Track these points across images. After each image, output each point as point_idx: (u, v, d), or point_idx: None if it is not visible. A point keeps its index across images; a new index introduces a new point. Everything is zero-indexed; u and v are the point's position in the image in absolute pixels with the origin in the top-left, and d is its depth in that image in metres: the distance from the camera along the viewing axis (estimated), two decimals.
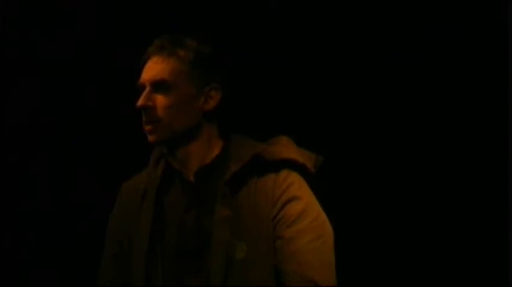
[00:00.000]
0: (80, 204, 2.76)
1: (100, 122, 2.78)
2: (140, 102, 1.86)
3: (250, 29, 2.67)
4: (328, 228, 1.87)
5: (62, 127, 2.79)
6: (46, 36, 2.76)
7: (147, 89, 1.87)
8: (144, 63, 1.91)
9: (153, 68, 1.88)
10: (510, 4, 2.44)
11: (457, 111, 2.53)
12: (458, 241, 2.51)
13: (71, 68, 2.77)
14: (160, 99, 1.85)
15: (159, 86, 1.86)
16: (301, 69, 2.65)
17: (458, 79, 2.54)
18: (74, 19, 2.76)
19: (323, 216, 1.88)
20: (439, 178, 2.54)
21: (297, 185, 1.87)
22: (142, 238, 1.88)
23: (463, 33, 2.52)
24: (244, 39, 2.64)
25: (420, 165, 2.55)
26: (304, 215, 1.85)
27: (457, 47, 2.53)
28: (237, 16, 2.68)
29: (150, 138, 1.87)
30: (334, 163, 2.08)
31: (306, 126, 2.56)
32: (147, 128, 1.87)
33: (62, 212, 2.78)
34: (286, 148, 1.92)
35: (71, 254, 2.76)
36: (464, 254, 2.49)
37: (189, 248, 1.84)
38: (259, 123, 2.45)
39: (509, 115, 2.44)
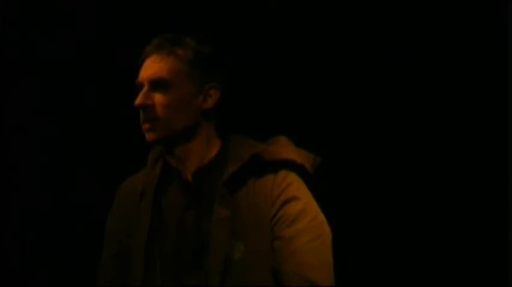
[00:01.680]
0: (80, 204, 2.76)
1: (100, 122, 2.78)
2: (138, 100, 1.85)
3: (250, 29, 2.67)
4: (327, 228, 1.87)
5: (62, 127, 2.79)
6: (46, 36, 2.76)
7: (145, 87, 1.86)
8: (143, 62, 1.90)
9: (152, 67, 1.87)
10: (510, 4, 2.44)
11: (457, 111, 2.53)
12: (459, 241, 2.50)
13: (71, 68, 2.78)
14: (159, 98, 1.85)
15: (157, 84, 1.86)
16: (301, 69, 2.65)
17: (458, 79, 2.54)
18: (74, 19, 2.76)
19: (321, 216, 1.88)
20: (439, 178, 2.54)
21: (295, 185, 1.87)
22: (140, 237, 1.88)
23: (463, 33, 2.51)
24: (244, 39, 2.64)
25: (420, 165, 2.55)
26: (303, 215, 1.85)
27: (457, 47, 2.53)
28: (237, 16, 2.68)
29: (148, 136, 1.87)
30: (332, 163, 2.08)
31: (306, 126, 2.56)
32: (145, 126, 1.86)
33: (62, 212, 2.78)
34: (284, 148, 1.92)
35: (71, 254, 2.77)
36: (464, 254, 2.49)
37: (187, 248, 1.84)
38: (258, 123, 2.45)
39: (509, 115, 2.44)
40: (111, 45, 2.74)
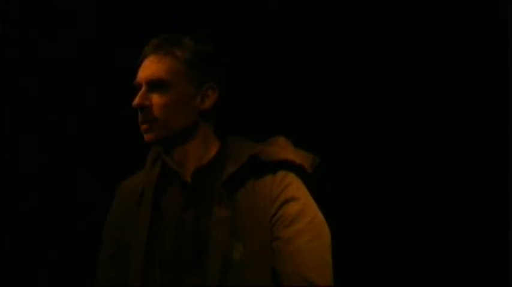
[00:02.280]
0: (80, 204, 2.76)
1: (100, 122, 2.78)
2: (136, 101, 1.85)
3: (250, 29, 2.66)
4: (326, 228, 1.87)
5: (62, 127, 2.79)
6: (46, 36, 2.76)
7: (143, 88, 1.87)
8: (141, 62, 1.90)
9: (150, 67, 1.87)
10: (510, 4, 2.44)
11: (457, 111, 2.52)
12: (459, 241, 2.50)
13: (71, 68, 2.78)
14: (157, 99, 1.85)
15: (155, 85, 1.86)
16: (301, 69, 2.65)
17: (458, 79, 2.53)
18: (74, 19, 2.76)
19: (320, 216, 1.88)
20: (439, 178, 2.53)
21: (294, 186, 1.87)
22: (140, 237, 1.88)
23: (463, 33, 2.51)
24: (244, 39, 2.64)
25: (420, 165, 2.55)
26: (302, 215, 1.85)
27: (457, 47, 2.53)
28: (237, 16, 2.68)
29: (146, 137, 1.87)
30: (332, 163, 2.08)
31: (305, 126, 2.56)
32: (143, 127, 1.87)
33: (62, 212, 2.78)
34: (283, 149, 1.92)
35: (71, 254, 2.76)
36: (464, 254, 2.48)
37: (186, 249, 1.84)
38: (257, 123, 2.45)
39: (509, 115, 2.43)
40: (111, 45, 2.74)
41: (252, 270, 1.81)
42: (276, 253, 1.83)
